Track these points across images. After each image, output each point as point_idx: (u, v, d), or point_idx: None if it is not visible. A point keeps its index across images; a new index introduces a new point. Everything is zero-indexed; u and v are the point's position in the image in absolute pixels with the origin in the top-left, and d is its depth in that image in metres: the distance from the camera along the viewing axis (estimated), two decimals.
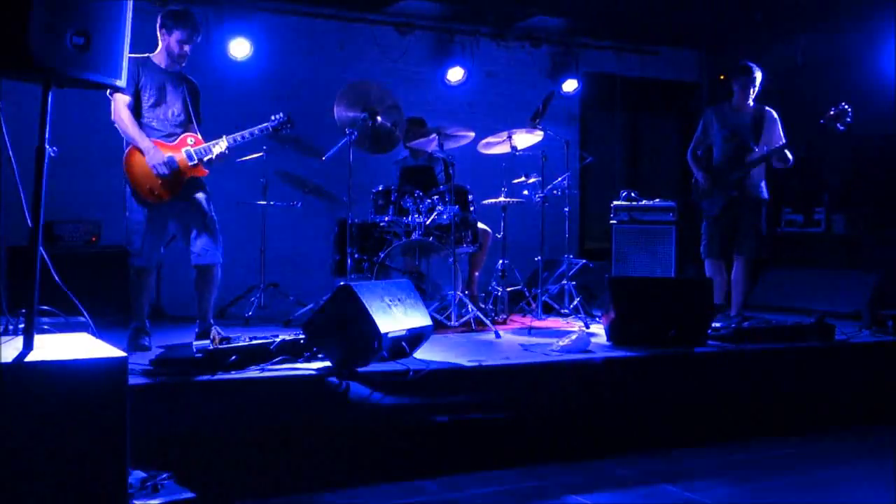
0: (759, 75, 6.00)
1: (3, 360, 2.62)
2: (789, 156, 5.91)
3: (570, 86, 8.50)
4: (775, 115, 6.05)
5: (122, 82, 3.03)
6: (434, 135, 6.07)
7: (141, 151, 4.58)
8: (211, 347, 3.93)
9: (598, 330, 5.59)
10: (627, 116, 9.43)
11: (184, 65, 4.79)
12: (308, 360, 4.12)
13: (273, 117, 5.04)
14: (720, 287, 6.15)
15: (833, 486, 3.99)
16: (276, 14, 7.39)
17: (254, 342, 4.09)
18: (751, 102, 6.07)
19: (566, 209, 6.74)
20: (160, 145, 4.65)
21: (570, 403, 4.40)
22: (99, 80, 2.94)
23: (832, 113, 5.66)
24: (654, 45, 9.00)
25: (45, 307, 3.14)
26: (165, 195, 4.65)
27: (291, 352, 4.13)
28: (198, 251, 4.74)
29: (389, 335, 4.07)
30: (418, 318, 4.45)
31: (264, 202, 6.63)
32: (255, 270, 6.63)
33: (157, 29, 4.70)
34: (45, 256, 2.92)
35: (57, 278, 3.02)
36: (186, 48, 4.71)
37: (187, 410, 3.61)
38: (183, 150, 4.69)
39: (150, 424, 3.38)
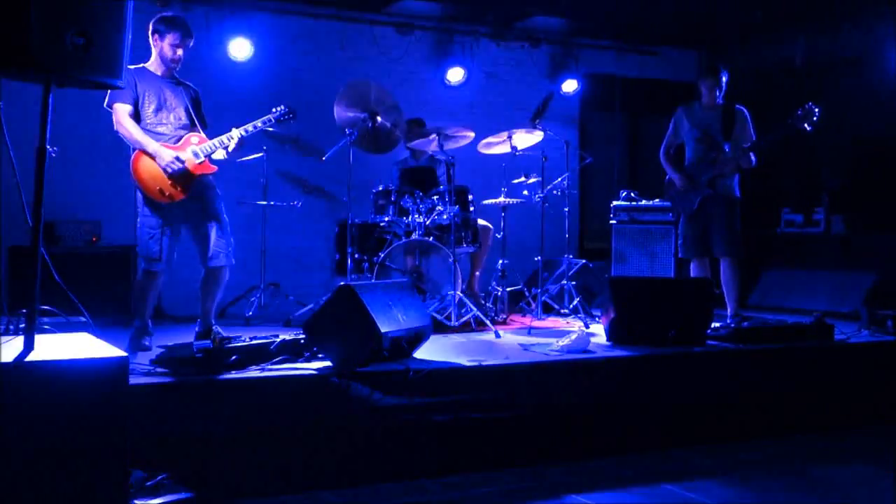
0: (724, 77, 6.03)
1: (4, 360, 2.63)
2: (751, 158, 5.89)
3: (569, 86, 8.50)
4: (746, 113, 6.04)
5: (122, 83, 3.03)
6: (434, 135, 6.07)
7: (149, 155, 4.58)
8: (211, 347, 3.93)
9: (598, 330, 5.59)
10: (627, 116, 9.43)
11: (177, 69, 4.77)
12: (308, 360, 4.12)
13: (275, 109, 5.04)
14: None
15: (833, 486, 3.99)
16: (276, 14, 7.38)
17: (254, 342, 4.09)
18: (720, 101, 6.08)
19: (566, 209, 6.74)
20: (166, 147, 4.64)
21: (570, 403, 4.40)
22: (99, 80, 2.95)
23: (799, 113, 5.64)
24: (654, 46, 9.00)
25: (46, 307, 3.15)
26: (177, 195, 4.64)
27: (291, 352, 4.13)
28: (211, 253, 4.73)
29: (389, 335, 4.07)
30: (418, 318, 4.45)
31: (264, 202, 6.63)
32: (255, 270, 6.63)
33: (150, 36, 4.67)
34: (46, 256, 2.92)
35: (57, 278, 3.03)
36: (180, 52, 4.69)
37: (187, 410, 3.61)
38: (188, 149, 4.69)
39: (150, 424, 3.39)
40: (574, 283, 6.64)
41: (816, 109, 5.58)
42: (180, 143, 4.70)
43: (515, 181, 6.60)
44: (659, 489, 3.86)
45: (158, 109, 4.68)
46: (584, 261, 7.20)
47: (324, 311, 4.15)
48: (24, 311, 2.84)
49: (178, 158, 4.59)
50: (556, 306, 6.58)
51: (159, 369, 3.81)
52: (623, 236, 7.22)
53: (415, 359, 4.35)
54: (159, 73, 4.72)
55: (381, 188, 6.16)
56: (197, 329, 4.85)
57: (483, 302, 6.27)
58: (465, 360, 4.38)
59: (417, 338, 4.45)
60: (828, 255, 7.59)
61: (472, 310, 5.72)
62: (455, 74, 8.05)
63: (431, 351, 4.61)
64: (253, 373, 3.87)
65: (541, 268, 6.46)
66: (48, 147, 2.87)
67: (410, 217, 5.94)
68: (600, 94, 8.94)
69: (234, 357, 3.88)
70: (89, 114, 5.09)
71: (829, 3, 7.34)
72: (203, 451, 3.57)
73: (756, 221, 7.91)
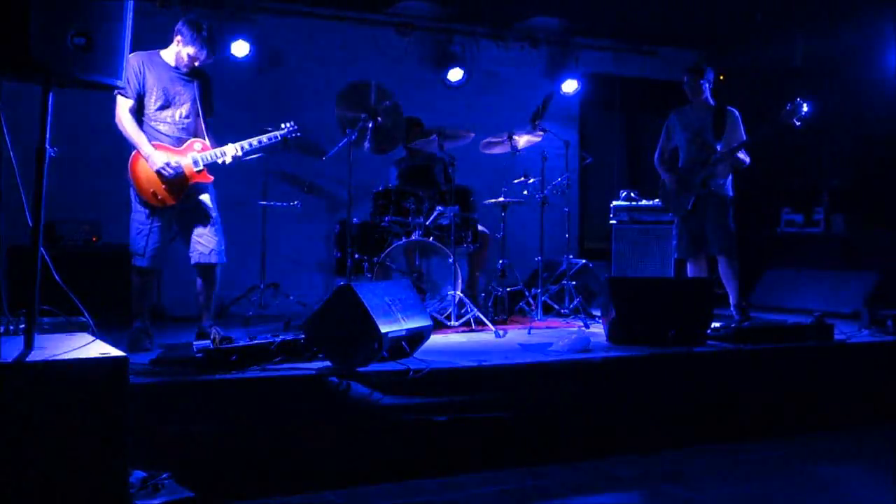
0: (708, 75, 6.07)
1: (4, 360, 2.63)
2: (744, 157, 5.92)
3: (569, 86, 8.50)
4: (737, 113, 6.07)
5: (122, 82, 3.03)
6: (434, 135, 6.08)
7: (143, 156, 4.57)
8: (211, 347, 3.93)
9: (598, 330, 5.59)
10: (627, 116, 9.43)
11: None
12: (308, 360, 4.12)
13: (283, 125, 5.04)
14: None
15: (833, 486, 3.99)
16: (277, 14, 7.39)
17: (254, 342, 4.09)
18: (711, 101, 6.10)
19: (566, 209, 6.75)
20: (167, 150, 4.63)
21: (570, 403, 4.40)
22: (99, 81, 2.95)
23: (788, 108, 5.67)
24: (654, 46, 9.00)
25: (46, 307, 3.15)
26: (168, 200, 4.64)
27: (291, 352, 4.13)
28: (200, 250, 4.73)
29: (389, 335, 4.07)
30: (418, 318, 4.45)
31: (264, 202, 6.63)
32: (255, 270, 6.63)
33: (174, 30, 4.61)
34: (46, 256, 2.92)
35: (57, 278, 3.03)
36: (196, 63, 4.66)
37: (187, 410, 3.61)
38: (189, 155, 4.67)
39: (150, 424, 3.38)
40: (574, 283, 6.64)
41: (805, 105, 5.61)
42: (183, 147, 4.68)
43: (515, 181, 6.61)
44: (659, 489, 3.86)
45: (164, 106, 4.65)
46: (584, 261, 7.20)
47: (324, 311, 4.15)
48: (24, 311, 2.84)
49: (170, 164, 4.56)
50: (556, 306, 6.58)
51: (159, 369, 3.81)
52: (623, 236, 7.23)
53: (415, 359, 4.35)
54: (172, 64, 4.67)
55: (381, 188, 6.16)
56: (197, 329, 4.85)
57: (483, 305, 6.27)
58: (465, 360, 4.37)
59: (417, 338, 4.45)
60: (828, 255, 7.59)
61: (472, 310, 5.72)
62: (455, 74, 8.05)
63: (431, 351, 4.61)
64: (253, 373, 3.87)
65: (541, 268, 6.46)
66: (48, 147, 2.87)
67: (410, 217, 5.94)
68: (600, 94, 8.94)
69: (234, 357, 3.88)
70: (89, 114, 5.09)
71: (829, 2, 7.34)
72: (203, 451, 3.57)
73: (756, 221, 7.93)
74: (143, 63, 4.57)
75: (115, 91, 4.48)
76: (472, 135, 6.21)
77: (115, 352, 2.85)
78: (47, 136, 2.87)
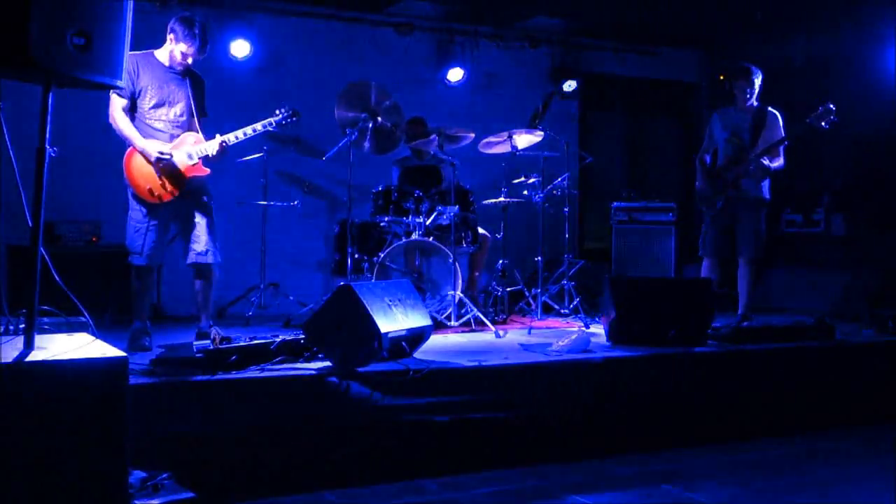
0: (758, 78, 6.03)
1: (4, 360, 2.63)
2: (768, 162, 5.86)
3: (569, 86, 8.49)
4: (777, 115, 6.06)
5: (122, 82, 3.04)
6: (434, 135, 6.08)
7: (137, 150, 4.58)
8: (211, 347, 3.93)
9: (598, 330, 5.59)
10: (627, 117, 9.43)
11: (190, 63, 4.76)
12: (308, 360, 4.12)
13: (277, 112, 5.03)
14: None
15: (833, 486, 3.99)
16: (277, 14, 7.38)
17: (254, 342, 4.09)
18: (754, 103, 6.09)
19: (566, 209, 6.74)
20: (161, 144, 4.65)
21: (570, 403, 4.40)
22: (99, 81, 2.95)
23: (819, 111, 5.69)
24: (654, 46, 9.00)
25: (46, 307, 3.14)
26: (165, 196, 4.65)
27: (291, 352, 4.13)
28: (197, 250, 4.74)
29: (389, 335, 4.07)
30: (418, 318, 4.45)
31: (264, 202, 6.63)
32: (255, 270, 6.63)
33: (167, 29, 4.64)
34: (46, 256, 2.92)
35: (57, 278, 3.02)
36: (190, 60, 4.69)
37: (187, 410, 3.61)
38: (182, 148, 4.68)
39: (150, 424, 3.39)
40: (574, 283, 6.63)
41: (834, 108, 5.65)
42: (176, 141, 4.70)
43: (515, 181, 6.60)
44: (659, 489, 3.85)
45: (158, 105, 4.66)
46: (584, 261, 7.20)
47: (324, 311, 4.15)
48: (24, 311, 2.84)
49: (163, 152, 4.58)
50: (556, 306, 6.58)
51: (159, 369, 3.81)
52: (623, 236, 7.23)
53: (415, 359, 4.35)
54: (167, 64, 4.70)
55: (380, 188, 6.16)
56: (197, 329, 4.85)
57: (483, 305, 6.27)
58: (465, 360, 4.38)
59: (417, 338, 4.44)
60: (828, 255, 7.59)
61: (472, 310, 5.72)
62: (455, 75, 8.05)
63: (431, 351, 4.61)
64: (253, 373, 3.87)
65: (541, 268, 6.46)
66: (48, 147, 2.87)
67: (410, 217, 5.94)
68: (600, 94, 8.94)
69: (234, 357, 3.88)
70: (89, 114, 5.09)
71: (829, 3, 7.34)
72: (203, 451, 3.57)
73: None
74: (138, 63, 4.59)
75: (111, 91, 4.51)
76: (472, 135, 6.21)
77: (115, 352, 2.85)
78: (47, 136, 2.87)
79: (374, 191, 6.19)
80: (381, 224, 6.10)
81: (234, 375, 3.80)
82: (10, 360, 2.64)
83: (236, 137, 4.79)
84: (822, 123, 5.70)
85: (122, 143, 4.69)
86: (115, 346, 2.97)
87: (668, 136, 9.63)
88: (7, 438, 2.56)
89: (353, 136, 5.84)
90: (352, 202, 5.85)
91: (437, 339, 4.96)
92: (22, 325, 2.88)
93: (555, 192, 6.67)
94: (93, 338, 3.14)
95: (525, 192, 6.60)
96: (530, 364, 4.50)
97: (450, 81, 8.08)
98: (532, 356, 4.70)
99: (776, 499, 3.81)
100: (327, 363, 4.05)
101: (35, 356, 2.71)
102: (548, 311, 6.47)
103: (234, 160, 6.30)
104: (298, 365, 4.05)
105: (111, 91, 4.48)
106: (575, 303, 6.48)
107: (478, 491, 3.79)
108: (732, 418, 4.75)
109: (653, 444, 4.46)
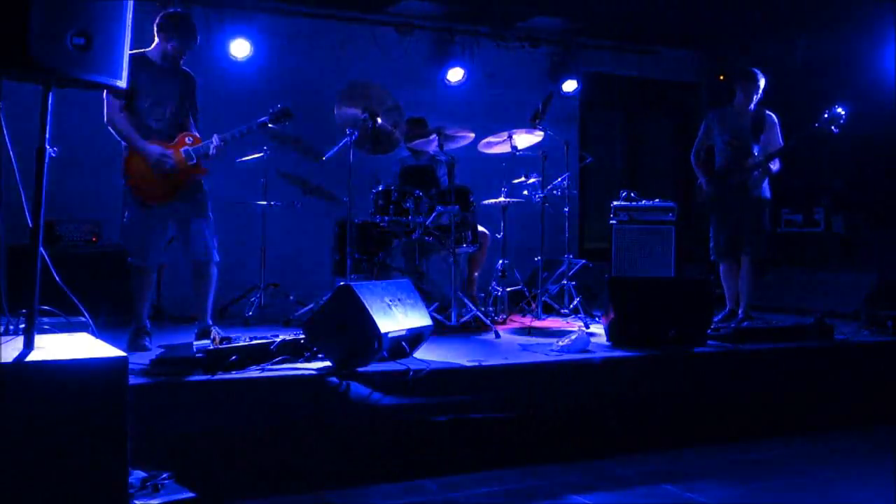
0: (762, 82, 6.05)
1: (4, 360, 2.63)
2: (778, 162, 5.97)
3: (569, 86, 8.50)
4: (775, 118, 6.09)
5: (122, 83, 3.03)
6: (434, 135, 6.07)
7: (139, 153, 4.58)
8: (211, 347, 3.93)
9: (598, 330, 5.59)
10: (627, 116, 9.44)
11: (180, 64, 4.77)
12: (308, 360, 4.12)
13: (271, 110, 5.03)
14: (731, 291, 6.17)
15: (833, 486, 3.99)
16: (277, 14, 7.38)
17: (254, 342, 4.09)
18: (752, 105, 6.10)
19: (566, 209, 6.74)
20: (160, 144, 4.65)
21: (570, 403, 4.40)
22: (100, 81, 2.95)
23: (826, 116, 5.70)
24: (653, 46, 9.00)
25: (46, 307, 3.14)
26: (165, 196, 4.65)
27: (291, 352, 4.13)
28: (198, 251, 4.74)
29: (389, 335, 4.07)
30: (418, 318, 4.45)
31: (264, 202, 6.63)
32: (255, 270, 6.63)
33: (155, 28, 4.67)
34: (46, 256, 2.92)
35: (57, 278, 3.02)
36: (183, 53, 4.70)
37: (187, 410, 3.61)
38: (181, 149, 4.69)
39: (150, 424, 3.38)
40: (574, 283, 6.63)
41: (843, 112, 5.63)
42: (175, 142, 4.70)
43: (515, 181, 6.60)
44: (659, 489, 3.86)
45: (154, 104, 4.67)
46: (584, 261, 7.20)
47: (324, 311, 4.15)
48: (24, 311, 2.84)
49: (165, 154, 4.58)
50: (556, 306, 6.58)
51: (159, 369, 3.81)
52: (623, 236, 7.22)
53: (415, 359, 4.35)
54: (159, 63, 4.71)
55: (381, 188, 6.15)
56: (196, 329, 4.85)
57: (482, 305, 6.27)
58: (465, 360, 4.38)
59: (417, 338, 4.45)
60: (828, 255, 7.60)
61: (472, 310, 5.72)
62: (455, 74, 8.05)
63: (431, 351, 4.61)
64: (253, 373, 3.87)
65: (541, 268, 6.46)
66: (48, 147, 2.87)
67: (410, 217, 5.94)
68: (600, 94, 8.95)
69: (234, 357, 3.88)
70: (89, 114, 5.08)
71: (829, 3, 7.34)
72: (203, 450, 3.57)
73: None
74: (132, 65, 4.57)
75: (105, 92, 4.51)
76: (472, 135, 6.21)
77: (115, 352, 2.85)
78: (47, 135, 2.87)
79: (374, 191, 6.19)
80: (381, 224, 6.10)
81: (234, 375, 3.80)
82: (10, 360, 2.64)
83: (232, 136, 4.80)
84: (832, 128, 5.70)
85: (121, 144, 4.69)
86: (115, 346, 2.97)
87: (667, 136, 9.64)
88: (7, 438, 2.56)
89: (353, 136, 5.83)
90: (352, 202, 5.85)
91: (437, 339, 4.96)
92: (22, 325, 2.88)
93: (555, 192, 6.67)
94: (93, 338, 3.14)
95: (525, 192, 6.60)
96: (530, 364, 4.50)
97: (450, 81, 8.09)
98: (532, 356, 4.70)
99: (776, 499, 3.81)
100: (327, 363, 4.05)
101: (35, 356, 2.70)
102: (548, 311, 6.47)
103: (234, 160, 6.30)
104: (298, 365, 4.05)
105: (104, 92, 4.50)
106: (575, 303, 6.48)
107: (478, 491, 3.79)
108: (732, 418, 4.75)
109: (653, 444, 4.46)
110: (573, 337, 4.89)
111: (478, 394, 4.17)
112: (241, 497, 3.57)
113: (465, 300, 5.77)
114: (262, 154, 6.52)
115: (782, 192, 8.11)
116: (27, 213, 2.83)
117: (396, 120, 6.15)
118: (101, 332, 3.24)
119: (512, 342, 5.29)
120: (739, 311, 6.06)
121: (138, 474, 3.02)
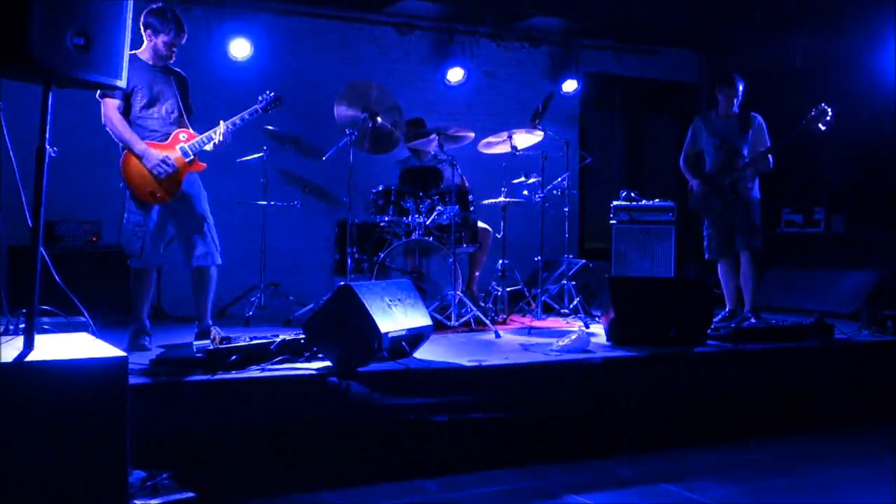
0: (741, 86, 6.13)
1: (4, 360, 2.63)
2: (769, 161, 6.00)
3: (569, 86, 8.50)
4: (761, 119, 6.14)
5: (122, 82, 3.04)
6: (434, 135, 6.07)
7: (136, 155, 4.57)
8: (211, 347, 3.93)
9: (598, 330, 5.59)
10: (627, 116, 9.44)
11: (171, 60, 4.76)
12: (308, 360, 4.12)
13: (260, 98, 5.02)
14: (731, 290, 6.18)
15: (833, 486, 3.99)
16: (276, 14, 7.38)
17: (254, 342, 4.09)
18: (736, 108, 6.13)
19: (566, 209, 6.74)
20: (154, 146, 4.63)
21: (570, 403, 4.40)
22: (99, 81, 2.95)
23: (812, 114, 5.73)
24: (654, 46, 9.00)
25: (46, 307, 3.15)
26: (165, 196, 4.64)
27: (291, 352, 4.13)
28: (196, 254, 4.73)
29: (389, 335, 4.07)
30: (418, 318, 4.45)
31: (264, 202, 6.63)
32: (255, 270, 6.63)
33: (141, 27, 4.63)
34: (46, 256, 2.92)
35: (57, 278, 3.03)
36: (174, 48, 4.69)
37: (187, 410, 3.61)
38: (177, 147, 4.68)
39: (150, 424, 3.38)
40: (574, 283, 6.64)
41: (829, 109, 5.67)
42: (169, 140, 4.69)
43: (515, 181, 6.61)
44: (659, 489, 3.86)
45: (150, 104, 4.66)
46: (584, 261, 7.20)
47: (324, 311, 4.15)
48: (24, 311, 2.84)
49: (165, 160, 4.57)
50: (556, 306, 6.58)
51: (159, 369, 3.81)
52: (623, 236, 7.22)
53: (415, 359, 4.35)
54: (151, 63, 4.70)
55: (381, 188, 6.16)
56: (196, 329, 4.85)
57: (483, 305, 6.27)
58: (465, 361, 4.37)
59: (417, 338, 4.44)
60: (828, 255, 7.60)
61: (472, 310, 5.72)
62: (455, 74, 8.05)
63: (431, 351, 4.61)
64: (253, 373, 3.87)
65: (541, 268, 6.46)
66: (48, 147, 2.87)
67: (410, 217, 5.94)
68: (600, 94, 8.95)
69: (234, 357, 3.88)
70: (89, 114, 5.08)
71: (829, 3, 7.34)
72: (203, 451, 3.57)
73: None
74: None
75: (98, 94, 4.51)
76: (472, 135, 6.21)
77: (115, 352, 2.85)
78: (47, 135, 2.87)
79: (374, 191, 6.19)
80: (381, 224, 6.10)
81: (234, 375, 3.80)
82: (10, 360, 2.64)
83: (234, 124, 4.79)
84: (819, 125, 5.73)
85: (119, 144, 4.68)
86: (114, 346, 2.97)
87: (667, 136, 9.61)
88: (7, 438, 2.56)
89: (353, 136, 5.83)
90: (352, 202, 5.85)
91: (437, 339, 4.96)
92: (22, 325, 2.88)
93: (555, 192, 6.67)
94: (93, 338, 3.14)
95: (525, 192, 6.60)
96: (530, 364, 4.50)
97: (450, 81, 8.09)
98: (532, 356, 4.70)
99: (776, 499, 3.81)
100: (327, 363, 4.05)
101: (35, 356, 2.71)
102: (548, 311, 6.47)
103: (234, 160, 6.30)
104: (298, 365, 4.05)
105: (98, 94, 4.50)
106: (575, 303, 6.48)
107: (477, 491, 3.79)
108: (732, 418, 4.75)
109: (653, 444, 4.46)
110: (573, 337, 4.89)
111: (478, 394, 4.17)
112: (240, 497, 3.57)
113: (466, 300, 5.77)
114: (261, 154, 6.52)
115: (782, 192, 8.14)
116: (27, 213, 2.83)
117: (396, 120, 6.15)
118: (101, 332, 3.25)
119: (512, 342, 5.29)
120: (744, 310, 6.06)
121: (138, 474, 3.03)
